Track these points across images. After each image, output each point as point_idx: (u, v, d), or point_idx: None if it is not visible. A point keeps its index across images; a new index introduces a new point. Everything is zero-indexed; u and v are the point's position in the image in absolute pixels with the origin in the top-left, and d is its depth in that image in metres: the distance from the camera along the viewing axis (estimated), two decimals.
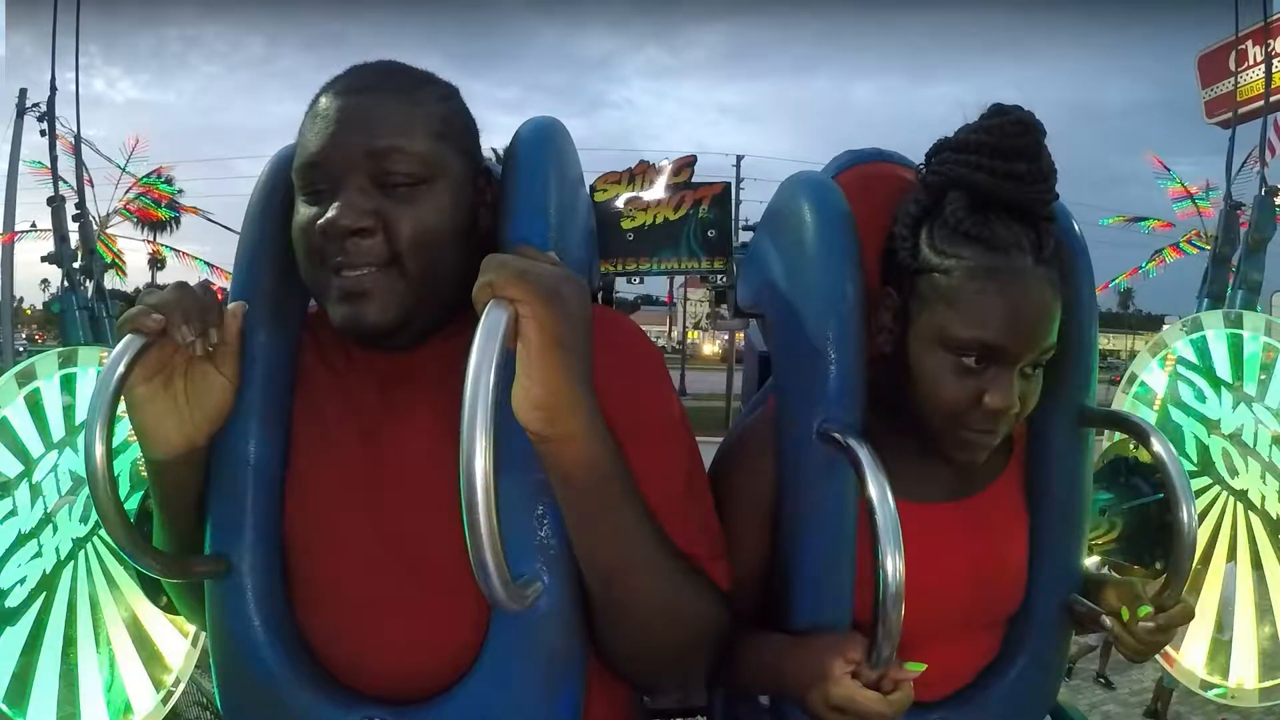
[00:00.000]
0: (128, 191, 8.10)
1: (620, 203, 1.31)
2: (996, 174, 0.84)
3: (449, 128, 0.81)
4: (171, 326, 0.74)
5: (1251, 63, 8.13)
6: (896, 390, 0.91)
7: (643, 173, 1.31)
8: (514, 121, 0.88)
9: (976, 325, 0.84)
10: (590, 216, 1.10)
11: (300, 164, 0.79)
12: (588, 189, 1.14)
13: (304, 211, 0.79)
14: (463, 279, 0.72)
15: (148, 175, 8.27)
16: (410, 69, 0.84)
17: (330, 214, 0.75)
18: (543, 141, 0.87)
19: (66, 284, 3.65)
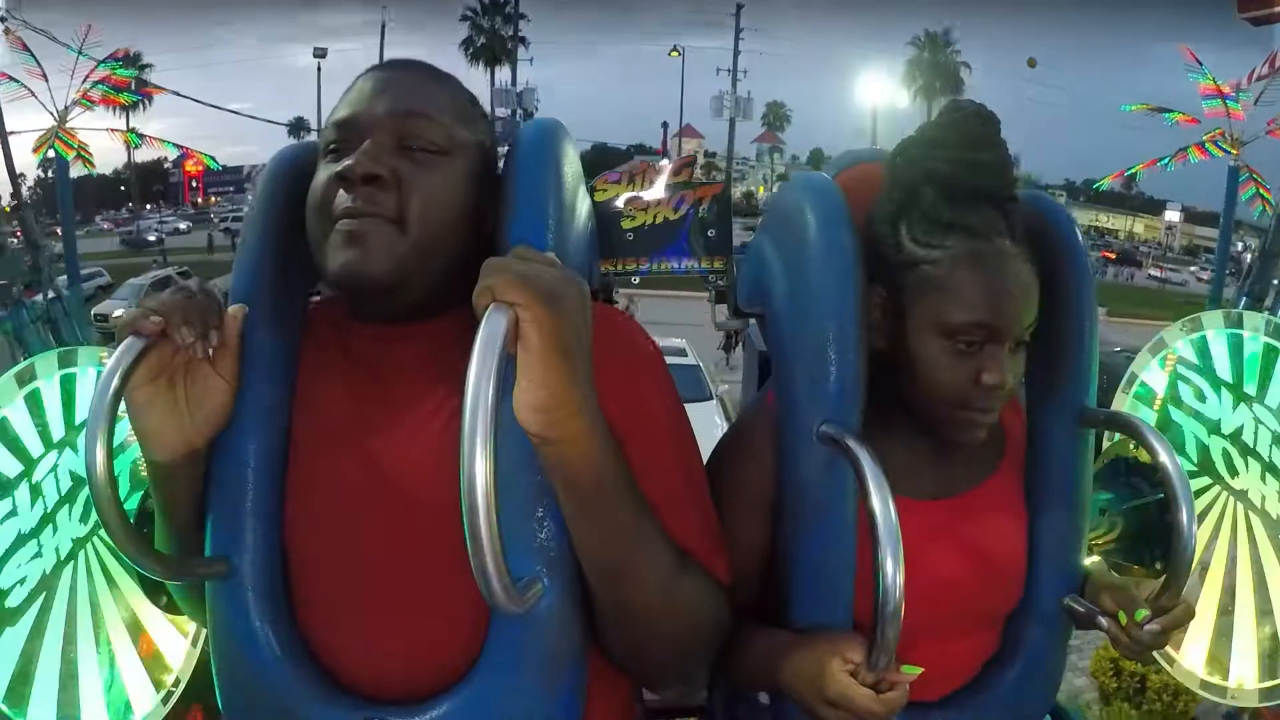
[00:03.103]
0: (84, 81, 7.75)
1: (620, 203, 1.31)
2: (965, 164, 0.88)
3: (472, 116, 0.86)
4: (171, 328, 0.75)
5: None
6: (889, 385, 0.92)
7: (642, 173, 1.31)
8: None
9: (971, 309, 0.87)
10: (590, 217, 1.11)
11: (329, 124, 0.83)
12: (588, 189, 1.14)
13: (323, 171, 0.81)
14: (462, 265, 0.74)
15: (105, 59, 7.87)
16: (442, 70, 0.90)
17: (348, 160, 0.78)
18: (543, 142, 0.87)
19: (15, 298, 3.21)
